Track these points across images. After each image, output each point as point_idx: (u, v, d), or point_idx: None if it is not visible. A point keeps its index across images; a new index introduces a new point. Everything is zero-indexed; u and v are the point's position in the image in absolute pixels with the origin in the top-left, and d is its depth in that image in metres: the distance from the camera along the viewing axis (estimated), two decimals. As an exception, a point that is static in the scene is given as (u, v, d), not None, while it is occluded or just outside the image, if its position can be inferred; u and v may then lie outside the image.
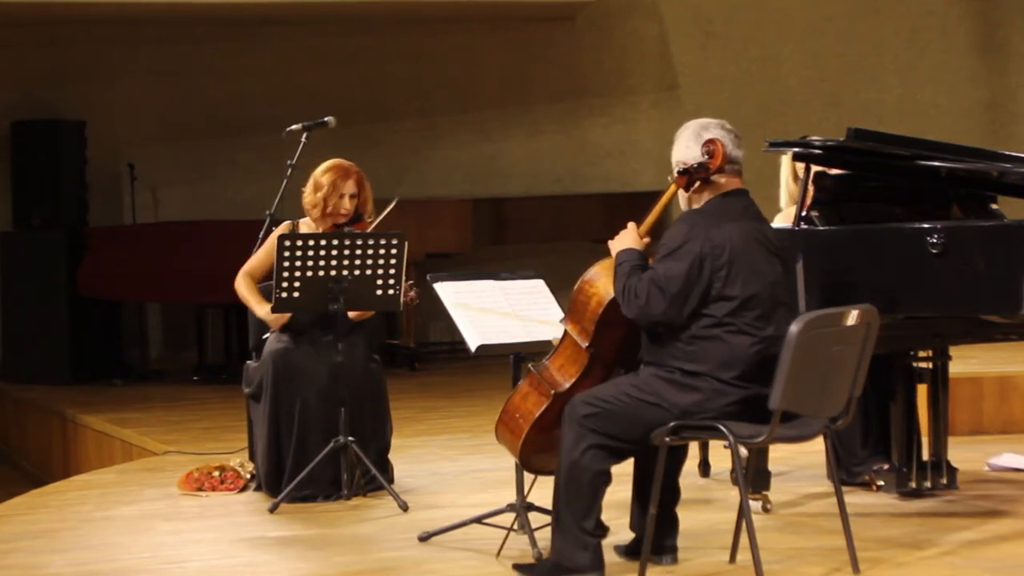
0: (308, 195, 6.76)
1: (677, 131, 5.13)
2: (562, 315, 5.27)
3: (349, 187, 6.72)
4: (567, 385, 5.05)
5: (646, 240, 5.06)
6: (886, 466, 6.34)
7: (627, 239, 5.05)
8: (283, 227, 6.80)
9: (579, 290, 5.08)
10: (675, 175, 5.05)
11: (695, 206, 5.04)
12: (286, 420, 6.57)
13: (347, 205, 6.72)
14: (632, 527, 5.28)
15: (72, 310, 11.14)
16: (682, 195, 5.07)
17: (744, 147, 5.08)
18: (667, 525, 5.21)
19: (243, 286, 6.82)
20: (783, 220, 6.64)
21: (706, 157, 4.98)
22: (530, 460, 5.22)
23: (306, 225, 6.79)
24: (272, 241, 6.76)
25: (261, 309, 6.73)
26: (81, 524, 6.33)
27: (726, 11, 13.00)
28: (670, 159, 5.11)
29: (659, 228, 5.11)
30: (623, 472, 5.09)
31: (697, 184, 5.01)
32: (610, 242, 5.09)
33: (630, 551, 5.23)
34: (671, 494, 5.20)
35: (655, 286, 4.84)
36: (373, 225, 6.79)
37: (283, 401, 6.58)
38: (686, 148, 5.04)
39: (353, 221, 6.75)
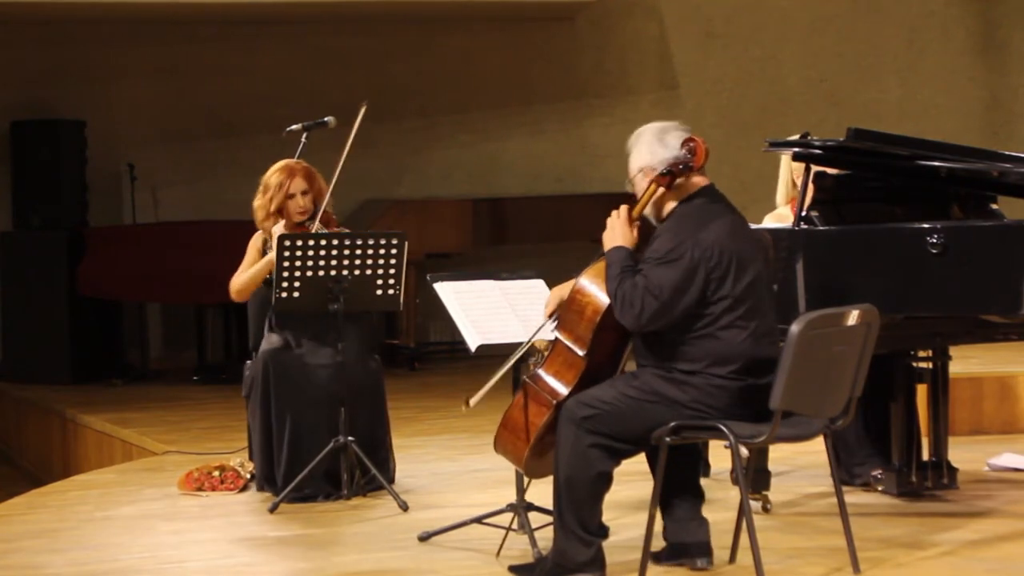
0: (256, 199, 6.75)
1: (629, 140, 5.11)
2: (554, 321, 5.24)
3: (297, 184, 6.69)
4: (566, 392, 5.02)
5: (635, 230, 5.03)
6: (880, 475, 6.33)
7: (617, 233, 5.02)
8: (258, 235, 6.78)
9: (571, 299, 5.05)
10: (635, 182, 5.03)
11: (670, 207, 5.02)
12: (278, 419, 6.57)
13: (301, 203, 6.70)
14: (665, 536, 5.21)
15: (72, 310, 11.13)
16: (655, 200, 5.03)
17: (743, 147, 5.09)
18: (696, 526, 5.17)
19: (236, 279, 6.79)
20: (774, 220, 6.65)
21: (689, 156, 4.98)
22: (533, 468, 5.21)
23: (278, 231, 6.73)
24: (252, 247, 6.77)
25: (266, 256, 6.67)
26: (81, 524, 6.33)
27: (726, 11, 13.00)
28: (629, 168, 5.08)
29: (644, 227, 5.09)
30: (625, 472, 5.09)
31: (677, 183, 5.00)
32: (605, 233, 5.07)
33: (670, 555, 5.19)
34: (693, 495, 5.18)
35: (649, 295, 4.83)
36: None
37: (275, 400, 6.57)
38: (650, 153, 5.01)
39: (314, 217, 6.71)
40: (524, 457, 5.11)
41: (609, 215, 5.07)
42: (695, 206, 4.98)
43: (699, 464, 5.30)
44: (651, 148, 5.02)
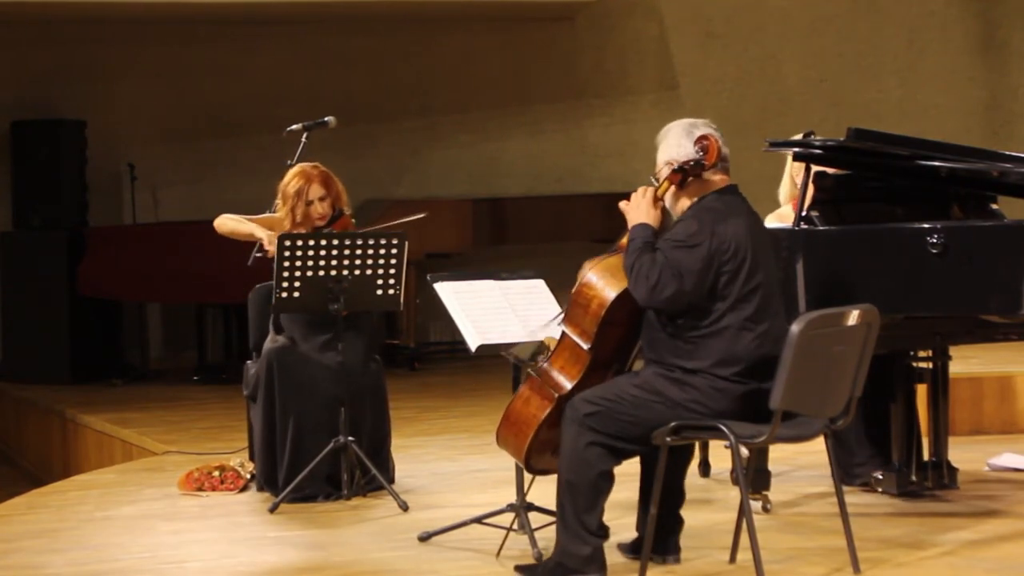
0: (278, 209, 6.71)
1: (659, 133, 5.14)
2: (562, 315, 5.26)
3: (315, 191, 6.63)
4: (570, 387, 5.04)
5: (659, 211, 5.05)
6: (880, 475, 6.33)
7: (642, 211, 5.04)
8: (277, 220, 6.76)
9: (578, 293, 5.08)
10: (660, 175, 5.07)
11: (685, 205, 5.05)
12: (282, 419, 6.56)
13: (320, 209, 6.65)
14: (638, 527, 5.28)
15: (72, 310, 11.14)
16: (670, 195, 5.08)
17: (743, 147, 5.10)
18: (670, 525, 5.22)
19: (226, 217, 6.73)
20: (776, 219, 6.65)
21: (701, 153, 5.01)
22: (534, 462, 5.22)
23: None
24: (265, 217, 6.73)
25: (259, 230, 6.63)
26: (81, 524, 6.34)
27: (726, 11, 13.00)
28: (656, 161, 5.12)
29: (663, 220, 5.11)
30: (625, 472, 5.09)
31: (690, 181, 5.03)
32: (623, 204, 5.09)
33: (634, 549, 5.24)
34: (675, 496, 5.21)
35: (669, 272, 4.84)
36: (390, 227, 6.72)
37: (279, 400, 6.57)
38: (677, 146, 5.06)
39: (333, 220, 6.70)
40: (524, 451, 5.12)
41: (610, 216, 5.08)
42: (719, 200, 5.00)
43: (686, 466, 5.32)
44: (679, 141, 5.07)
